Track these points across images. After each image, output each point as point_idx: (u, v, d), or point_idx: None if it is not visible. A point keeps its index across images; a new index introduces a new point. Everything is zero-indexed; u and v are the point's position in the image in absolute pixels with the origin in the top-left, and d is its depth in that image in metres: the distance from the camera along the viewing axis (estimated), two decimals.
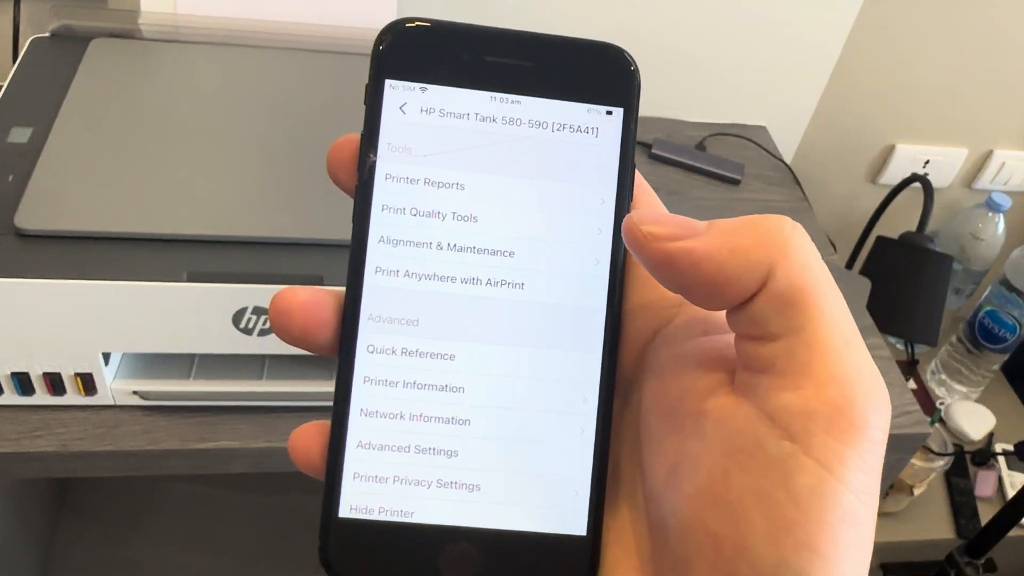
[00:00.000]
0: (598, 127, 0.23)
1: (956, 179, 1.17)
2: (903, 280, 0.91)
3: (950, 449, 1.06)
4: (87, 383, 0.59)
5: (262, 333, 0.57)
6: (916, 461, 1.01)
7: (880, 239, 0.94)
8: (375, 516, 0.22)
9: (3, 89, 0.64)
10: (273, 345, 0.58)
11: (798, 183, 0.95)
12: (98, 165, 0.58)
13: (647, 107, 0.99)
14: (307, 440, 0.23)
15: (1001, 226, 1.13)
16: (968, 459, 1.17)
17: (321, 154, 0.23)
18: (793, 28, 0.96)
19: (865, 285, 0.82)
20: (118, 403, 0.61)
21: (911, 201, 1.08)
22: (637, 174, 0.24)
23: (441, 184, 0.22)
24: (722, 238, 0.20)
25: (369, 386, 0.22)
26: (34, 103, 0.63)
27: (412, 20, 0.23)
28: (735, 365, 0.21)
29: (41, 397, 0.59)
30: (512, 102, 0.23)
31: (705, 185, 0.93)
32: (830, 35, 0.98)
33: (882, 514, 1.09)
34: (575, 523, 0.22)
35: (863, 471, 0.19)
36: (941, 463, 1.02)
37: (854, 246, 1.06)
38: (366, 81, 0.23)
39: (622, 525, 0.23)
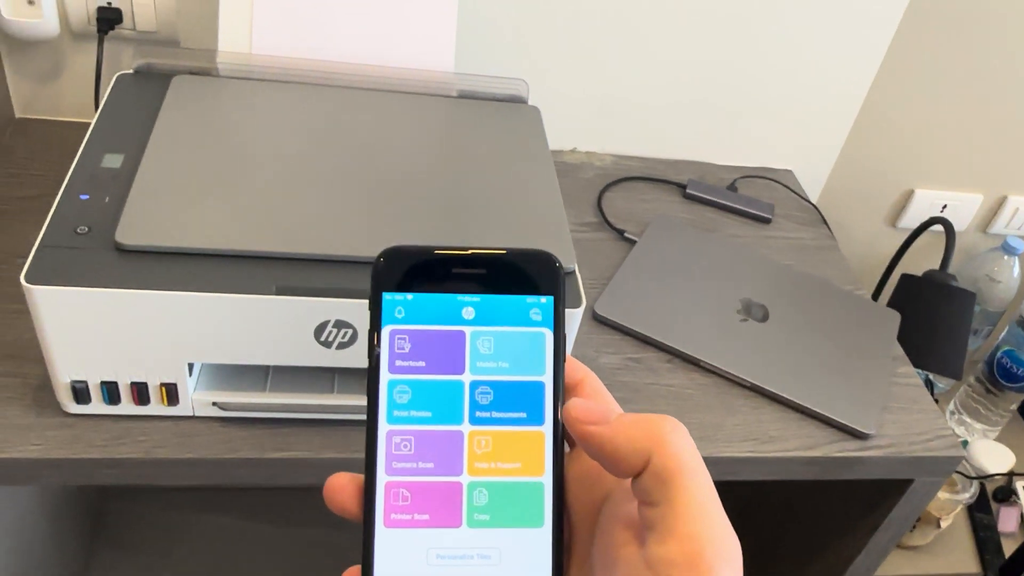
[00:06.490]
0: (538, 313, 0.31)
1: (972, 224, 1.21)
2: (928, 316, 0.94)
3: (973, 487, 1.09)
4: (171, 393, 0.62)
5: (340, 346, 0.60)
6: (942, 494, 1.03)
7: (905, 276, 0.98)
8: None
9: (95, 119, 0.69)
10: (350, 358, 0.61)
11: (825, 223, 1.00)
12: (189, 187, 0.62)
13: (681, 151, 1.04)
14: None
15: (1017, 269, 1.17)
16: (990, 495, 1.19)
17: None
18: (818, 80, 1.02)
19: (895, 318, 0.86)
20: (197, 414, 0.64)
21: (929, 245, 1.13)
22: (586, 371, 0.32)
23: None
24: (621, 429, 0.28)
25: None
26: (124, 132, 0.68)
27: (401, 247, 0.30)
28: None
29: (126, 407, 0.62)
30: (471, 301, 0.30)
31: (738, 223, 0.97)
32: (852, 87, 1.04)
33: (909, 547, 1.10)
34: None
35: None
36: (967, 495, 1.05)
37: (876, 284, 1.10)
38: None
39: None
